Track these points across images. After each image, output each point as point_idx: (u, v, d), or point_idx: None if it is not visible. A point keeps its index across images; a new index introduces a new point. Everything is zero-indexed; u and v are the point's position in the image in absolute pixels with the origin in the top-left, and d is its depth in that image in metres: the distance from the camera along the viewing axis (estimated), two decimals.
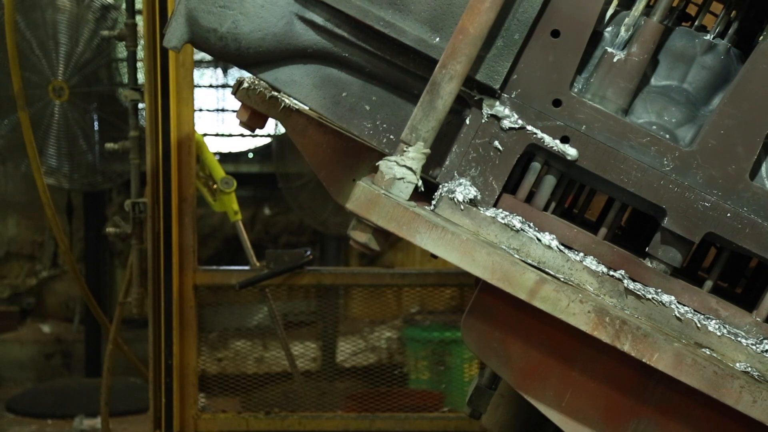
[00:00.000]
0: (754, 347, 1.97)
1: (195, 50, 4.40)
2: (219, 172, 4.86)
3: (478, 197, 2.01)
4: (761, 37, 1.98)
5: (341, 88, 2.11)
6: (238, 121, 2.75)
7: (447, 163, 2.04)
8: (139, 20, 4.85)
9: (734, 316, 2.01)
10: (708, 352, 1.95)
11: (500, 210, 2.01)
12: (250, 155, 7.60)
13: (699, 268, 2.36)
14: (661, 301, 1.98)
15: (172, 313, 4.58)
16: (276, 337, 5.07)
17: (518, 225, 1.99)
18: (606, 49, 2.02)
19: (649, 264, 2.03)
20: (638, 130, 1.99)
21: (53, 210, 5.33)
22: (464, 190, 2.00)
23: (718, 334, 1.97)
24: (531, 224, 2.00)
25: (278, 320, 4.94)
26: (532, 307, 1.95)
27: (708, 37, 2.06)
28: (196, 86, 4.69)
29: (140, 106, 4.86)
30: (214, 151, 6.76)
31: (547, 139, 2.00)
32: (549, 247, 1.98)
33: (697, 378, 1.88)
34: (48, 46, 6.37)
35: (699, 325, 1.97)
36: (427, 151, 1.93)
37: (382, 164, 1.94)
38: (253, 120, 2.70)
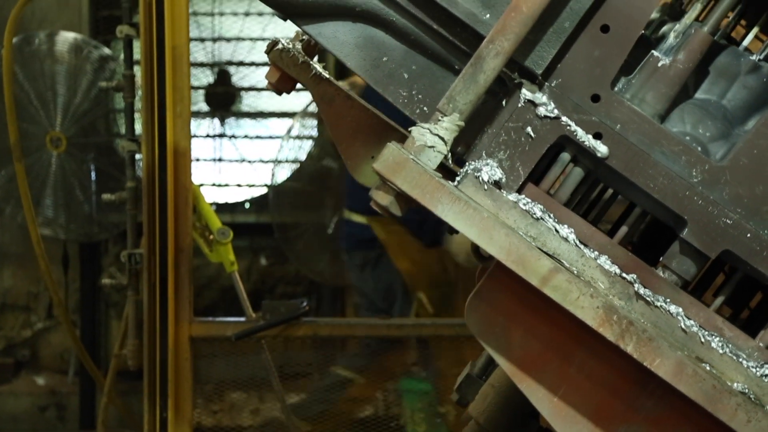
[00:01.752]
0: (754, 370, 1.96)
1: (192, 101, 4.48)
2: (215, 222, 4.87)
3: (503, 180, 2.00)
4: None
5: (383, 52, 2.10)
6: (266, 81, 2.74)
7: (476, 142, 2.03)
8: (137, 71, 4.90)
9: (738, 338, 2.00)
10: (708, 368, 1.94)
11: (523, 196, 2.00)
12: (247, 205, 7.63)
13: (706, 290, 2.35)
14: (668, 311, 1.97)
15: (168, 364, 4.58)
16: (272, 388, 5.05)
17: (539, 213, 1.98)
18: (652, 53, 2.01)
19: (661, 273, 2.02)
20: (672, 138, 1.99)
21: (47, 262, 5.33)
22: (490, 170, 1.99)
23: (720, 351, 1.96)
24: (551, 215, 2.00)
25: (274, 372, 4.93)
26: (540, 297, 1.94)
27: (754, 57, 2.06)
28: (193, 136, 4.74)
29: (137, 156, 4.90)
30: (211, 201, 6.82)
31: (580, 133, 1.99)
32: (566, 239, 1.97)
33: (696, 389, 1.87)
34: (46, 97, 6.42)
35: (703, 340, 1.96)
36: (462, 123, 1.93)
37: (414, 130, 1.93)
38: (281, 82, 2.68)
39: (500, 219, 1.96)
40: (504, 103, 2.02)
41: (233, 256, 4.92)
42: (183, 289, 4.58)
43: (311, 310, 5.09)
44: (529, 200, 2.00)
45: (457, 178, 1.99)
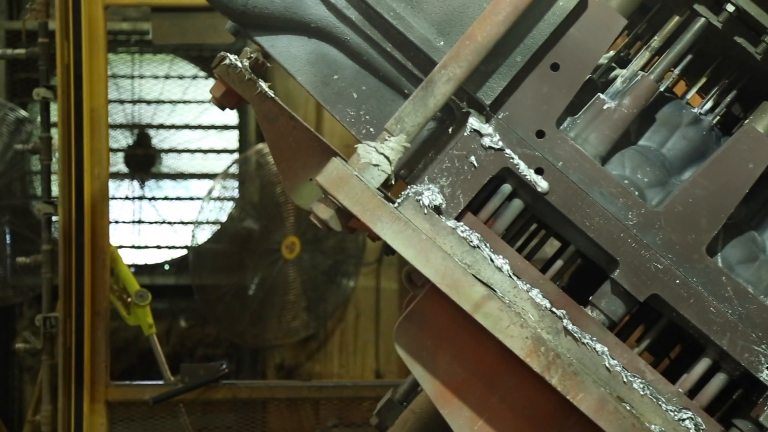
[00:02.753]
0: (672, 414, 1.99)
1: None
2: (133, 284, 4.85)
3: (443, 206, 2.02)
4: (747, 120, 2.03)
5: (334, 70, 2.11)
6: (210, 96, 2.74)
7: (419, 166, 2.05)
8: (54, 133, 4.90)
9: (659, 382, 2.03)
10: (628, 408, 1.97)
11: (461, 224, 2.02)
12: (167, 267, 7.60)
13: (630, 335, 2.38)
14: (594, 348, 1.99)
15: (83, 430, 4.52)
16: None
17: (476, 242, 2.00)
18: (599, 95, 2.06)
19: (589, 312, 2.05)
20: (611, 180, 2.02)
21: None
22: (431, 195, 2.01)
23: (641, 393, 1.99)
24: (487, 244, 2.01)
25: None
26: (470, 324, 1.96)
27: (695, 110, 2.11)
28: (111, 198, 4.76)
29: (53, 219, 4.89)
30: (130, 263, 6.77)
31: (523, 167, 2.02)
32: (500, 269, 1.99)
33: (615, 427, 1.89)
34: None
35: (625, 380, 1.99)
36: (408, 145, 1.94)
37: (360, 147, 1.94)
38: (225, 98, 2.68)
39: (437, 243, 1.97)
40: (450, 130, 2.04)
41: (151, 318, 4.90)
42: (99, 353, 4.57)
43: (231, 373, 5.06)
44: (467, 228, 2.01)
45: (398, 200, 2.00)
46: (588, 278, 2.27)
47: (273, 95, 2.65)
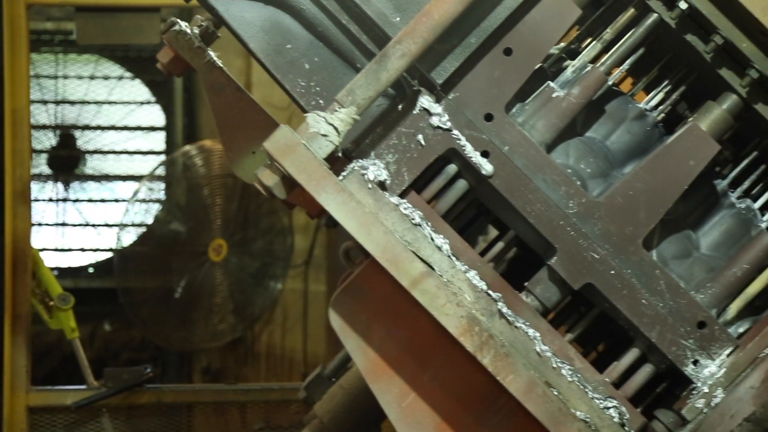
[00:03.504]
0: (597, 402, 2.02)
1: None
2: (56, 288, 4.78)
3: (388, 182, 2.02)
4: (691, 118, 2.07)
5: (288, 39, 2.10)
6: (157, 61, 2.72)
7: (367, 141, 2.05)
8: None
9: (587, 371, 2.06)
10: (556, 393, 1.99)
11: (404, 201, 2.02)
12: (91, 270, 7.48)
13: (561, 323, 2.41)
14: (527, 333, 2.01)
15: None
16: None
17: (417, 219, 2.01)
18: (549, 83, 2.08)
19: (524, 298, 2.07)
20: (555, 167, 2.04)
21: None
22: (377, 170, 2.01)
23: (569, 379, 2.01)
24: (429, 223, 2.02)
25: None
26: (406, 301, 1.97)
27: (641, 105, 2.14)
28: (34, 200, 4.69)
29: None
30: (53, 266, 6.63)
31: (469, 149, 2.03)
32: (439, 248, 2.00)
33: (542, 410, 1.91)
34: None
35: (555, 365, 2.01)
36: (358, 117, 1.94)
37: (310, 117, 1.94)
38: (172, 65, 2.67)
39: (380, 219, 1.98)
40: (400, 108, 2.05)
41: (74, 322, 4.81)
42: (20, 357, 4.50)
43: (156, 377, 4.99)
44: (410, 206, 2.02)
45: (343, 173, 2.00)
46: (525, 266, 2.29)
47: (221, 65, 2.63)
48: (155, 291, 6.46)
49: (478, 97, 2.04)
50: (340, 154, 1.98)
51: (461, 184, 2.07)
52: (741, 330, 2.11)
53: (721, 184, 2.17)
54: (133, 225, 6.70)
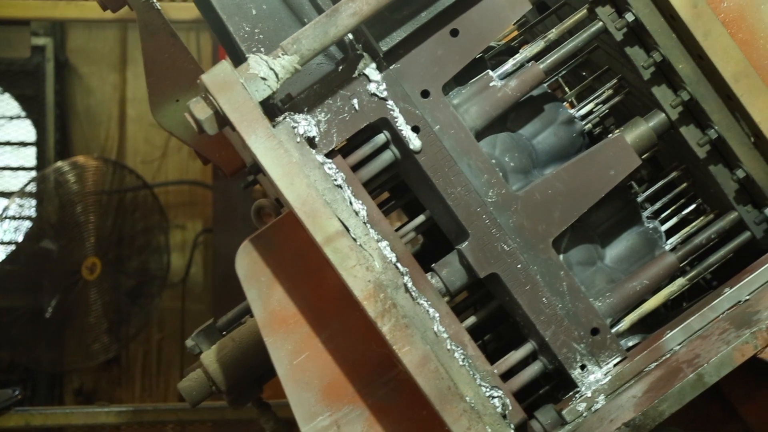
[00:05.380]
0: (483, 390, 2.04)
1: None
2: None
3: (316, 139, 2.02)
4: (618, 130, 2.12)
5: None
6: None
7: (302, 96, 2.04)
8: None
9: (478, 359, 2.08)
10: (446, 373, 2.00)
11: (330, 161, 2.02)
12: None
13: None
14: (427, 311, 2.03)
15: None
16: None
17: (339, 181, 2.01)
18: (488, 72, 2.10)
19: (429, 278, 2.08)
20: (481, 155, 2.07)
21: None
22: (308, 126, 2.01)
23: (461, 363, 2.03)
24: (350, 187, 2.03)
25: None
26: (315, 259, 1.96)
27: (572, 111, 2.19)
28: None
29: None
30: None
31: (401, 121, 2.05)
32: (356, 213, 2.00)
33: (432, 385, 1.92)
34: None
35: (449, 347, 2.03)
36: (299, 67, 1.93)
37: (252, 58, 1.92)
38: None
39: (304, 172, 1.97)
40: (340, 69, 2.05)
41: None
42: None
43: (25, 399, 4.84)
44: (335, 167, 2.02)
45: (275, 122, 1.99)
46: (430, 253, 2.31)
47: (159, 6, 2.60)
48: (25, 311, 6.27)
49: (419, 73, 2.05)
50: (274, 101, 1.97)
51: (387, 155, 2.08)
52: (630, 344, 2.16)
53: (635, 202, 2.22)
54: (2, 243, 6.50)
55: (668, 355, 2.06)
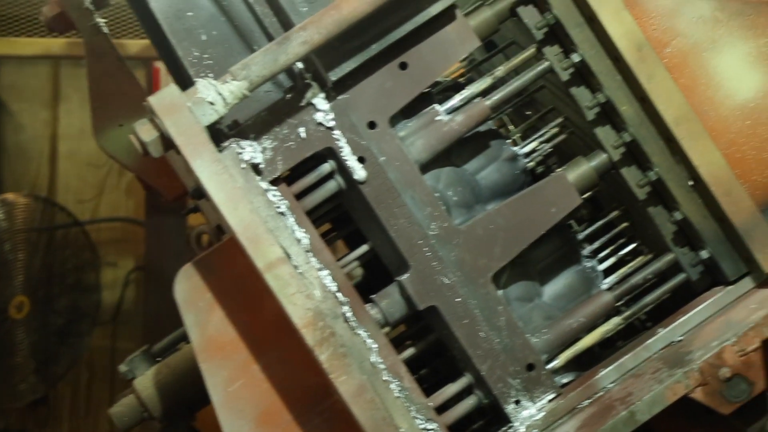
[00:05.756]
0: (418, 423, 2.04)
1: None
2: None
3: (261, 167, 2.02)
4: (561, 168, 2.15)
5: (191, 6, 2.09)
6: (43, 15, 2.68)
7: (249, 122, 2.04)
8: None
9: (414, 391, 2.08)
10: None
11: (274, 188, 2.02)
12: None
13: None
14: (365, 342, 2.03)
15: None
16: None
17: (283, 209, 2.01)
18: (434, 106, 2.12)
19: (369, 309, 2.09)
20: (425, 188, 2.08)
21: None
22: (253, 153, 2.01)
23: (396, 395, 2.03)
24: (293, 216, 2.03)
25: None
26: (255, 286, 1.96)
27: (515, 149, 2.21)
28: None
29: None
30: None
31: (347, 151, 2.06)
32: (298, 241, 2.01)
33: (367, 416, 1.92)
34: None
35: (385, 378, 2.03)
36: (248, 93, 1.94)
37: (201, 83, 1.93)
38: (56, 21, 2.63)
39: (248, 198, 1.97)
40: (288, 97, 2.06)
41: None
42: None
43: None
44: (279, 194, 2.02)
45: (221, 147, 1.99)
46: (373, 283, 2.31)
47: (107, 31, 2.60)
48: None
49: (366, 104, 2.07)
50: (221, 127, 1.97)
51: (332, 185, 2.09)
52: (565, 381, 2.18)
53: (574, 241, 2.25)
54: None
55: (602, 393, 2.08)
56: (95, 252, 6.55)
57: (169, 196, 2.62)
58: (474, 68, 2.44)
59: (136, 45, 5.69)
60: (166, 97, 1.89)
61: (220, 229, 2.35)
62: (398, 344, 2.25)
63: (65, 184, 6.69)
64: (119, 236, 6.82)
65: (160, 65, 6.19)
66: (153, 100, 1.88)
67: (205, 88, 1.92)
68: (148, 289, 6.41)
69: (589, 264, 2.25)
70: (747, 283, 2.13)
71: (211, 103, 1.91)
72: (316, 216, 2.13)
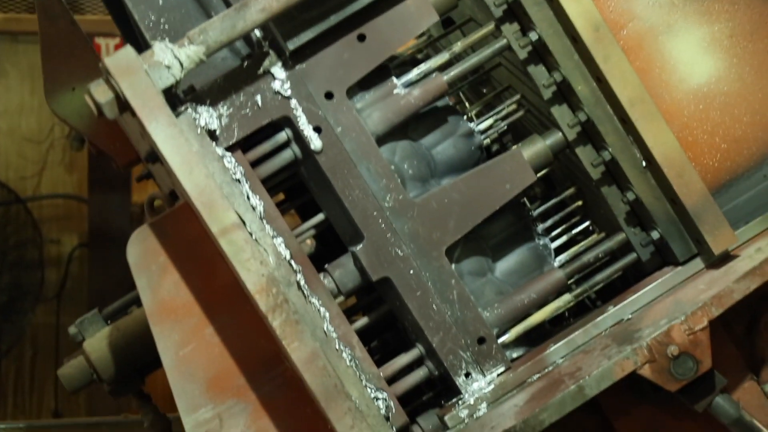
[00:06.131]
0: (368, 391, 2.05)
1: None
2: None
3: (217, 132, 2.02)
4: (516, 146, 2.17)
5: None
6: None
7: (205, 88, 2.04)
8: None
9: (365, 361, 2.09)
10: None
11: (230, 154, 2.02)
12: None
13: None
14: (318, 310, 2.04)
15: None
16: None
17: (238, 175, 2.01)
18: (392, 78, 2.13)
19: (322, 278, 2.09)
20: (380, 160, 2.09)
21: None
22: (209, 118, 2.01)
23: (348, 363, 2.04)
24: (249, 182, 2.03)
25: None
26: (209, 251, 1.96)
27: (471, 125, 2.23)
28: None
29: None
30: None
31: (303, 121, 2.06)
32: (253, 208, 2.01)
33: (319, 383, 1.92)
34: None
35: (338, 347, 2.04)
36: (205, 58, 1.94)
37: (157, 45, 1.92)
38: None
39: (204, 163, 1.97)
40: (245, 64, 2.06)
41: None
42: None
43: None
44: (234, 161, 2.02)
45: (176, 111, 1.99)
46: (324, 256, 2.32)
47: None
48: None
49: (324, 74, 2.07)
50: (176, 91, 1.96)
51: (287, 154, 2.09)
52: (515, 355, 2.20)
53: (527, 218, 2.27)
54: None
55: (551, 368, 2.10)
56: (37, 229, 6.50)
57: (120, 162, 2.61)
58: (430, 45, 2.45)
59: (79, 21, 5.65)
60: (122, 59, 1.88)
61: (174, 195, 2.34)
62: (348, 316, 2.26)
63: (5, 161, 6.63)
64: (62, 213, 6.76)
65: (101, 42, 6.15)
66: (109, 61, 1.88)
67: (162, 51, 1.91)
68: (92, 266, 6.37)
69: (541, 242, 2.27)
70: (696, 264, 2.16)
71: (168, 67, 1.91)
72: (270, 185, 2.13)
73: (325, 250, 2.43)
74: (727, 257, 2.11)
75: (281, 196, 2.47)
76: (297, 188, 2.29)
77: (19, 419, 6.55)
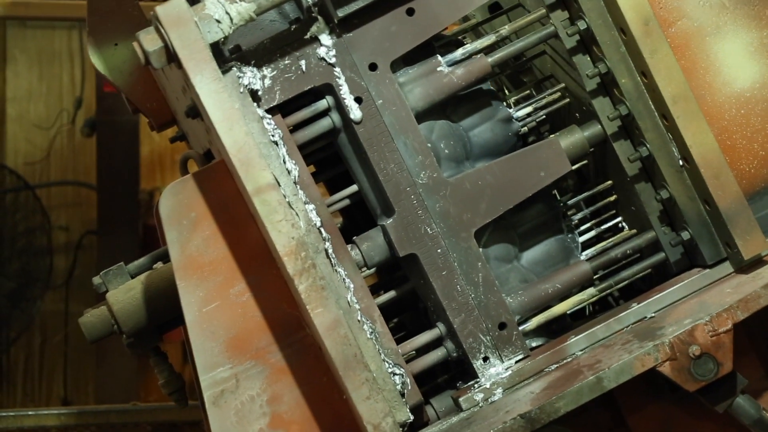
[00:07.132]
0: (386, 366, 2.05)
1: None
2: None
3: (260, 93, 2.02)
4: (554, 135, 2.16)
5: None
6: None
7: (252, 48, 2.04)
8: None
9: (385, 336, 2.09)
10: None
11: (269, 116, 2.02)
12: None
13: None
14: (343, 279, 2.03)
15: None
16: None
17: (276, 138, 2.01)
18: (437, 56, 2.13)
19: (349, 249, 2.09)
20: (418, 136, 2.09)
21: None
22: (252, 78, 2.01)
23: (368, 336, 2.04)
24: (285, 146, 2.03)
25: None
26: (242, 209, 1.96)
27: (510, 111, 2.22)
28: None
29: None
30: None
31: (345, 90, 2.06)
32: (288, 172, 2.01)
33: (339, 351, 1.92)
34: None
35: (360, 319, 2.03)
36: (255, 17, 1.94)
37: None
38: None
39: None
40: (293, 28, 2.06)
41: None
42: None
43: None
44: (273, 123, 2.02)
45: (221, 68, 1.99)
46: (351, 231, 2.31)
47: None
48: None
49: (370, 45, 2.07)
50: (224, 46, 1.96)
51: (326, 122, 2.09)
52: (534, 344, 2.19)
53: (557, 209, 2.26)
54: None
55: (570, 359, 2.10)
56: (46, 215, 6.48)
57: (156, 122, 2.61)
58: (474, 29, 2.45)
59: None
60: (173, 9, 1.88)
61: (208, 155, 2.34)
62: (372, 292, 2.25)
63: (14, 147, 6.62)
64: (70, 200, 6.74)
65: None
66: (160, 10, 1.88)
67: (213, 5, 1.92)
68: (101, 253, 6.35)
69: (569, 234, 2.26)
70: (724, 268, 2.15)
71: (218, 21, 1.91)
72: (305, 153, 2.12)
73: (352, 225, 2.43)
74: (756, 263, 2.10)
75: (312, 169, 2.46)
76: (328, 161, 2.29)
77: (28, 407, 6.53)
